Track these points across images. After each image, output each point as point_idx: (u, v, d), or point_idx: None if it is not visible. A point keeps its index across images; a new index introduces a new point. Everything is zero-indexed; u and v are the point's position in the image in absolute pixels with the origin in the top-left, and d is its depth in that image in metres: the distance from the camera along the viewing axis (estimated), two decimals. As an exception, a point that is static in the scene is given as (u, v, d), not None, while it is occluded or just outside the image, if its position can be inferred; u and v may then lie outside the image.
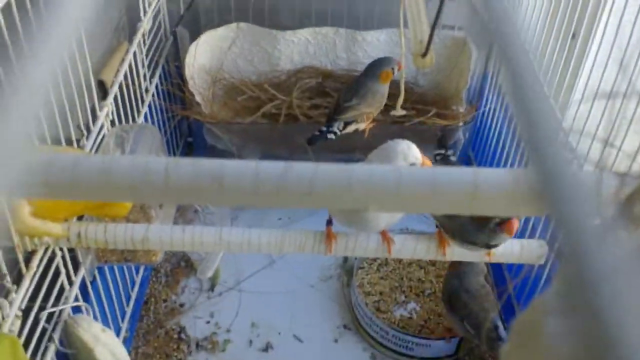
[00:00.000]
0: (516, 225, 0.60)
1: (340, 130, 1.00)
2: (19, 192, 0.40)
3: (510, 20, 0.22)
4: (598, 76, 0.82)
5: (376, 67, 1.01)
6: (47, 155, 0.36)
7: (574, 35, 0.96)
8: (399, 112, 0.90)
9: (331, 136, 1.00)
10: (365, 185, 0.42)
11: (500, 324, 0.88)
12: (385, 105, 1.25)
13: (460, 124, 1.18)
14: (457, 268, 0.94)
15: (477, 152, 1.29)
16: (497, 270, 1.07)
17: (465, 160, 1.29)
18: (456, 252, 0.72)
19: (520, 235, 0.96)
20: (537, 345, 0.20)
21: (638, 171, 0.23)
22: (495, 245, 0.65)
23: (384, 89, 1.02)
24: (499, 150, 1.17)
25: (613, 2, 0.80)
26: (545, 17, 1.00)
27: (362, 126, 1.02)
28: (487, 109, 1.25)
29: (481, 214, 0.43)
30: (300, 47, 1.27)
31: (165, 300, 1.04)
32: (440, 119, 1.20)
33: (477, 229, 0.63)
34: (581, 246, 0.16)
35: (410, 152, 0.65)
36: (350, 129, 1.01)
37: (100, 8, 1.04)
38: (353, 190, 0.42)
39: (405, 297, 1.05)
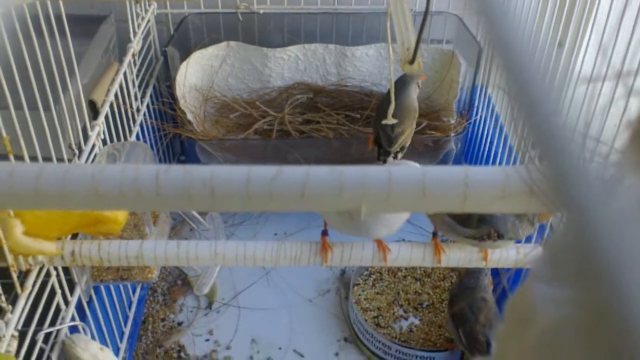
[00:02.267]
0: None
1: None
2: (9, 203, 0.40)
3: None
4: (585, 81, 0.83)
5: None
6: (36, 164, 0.36)
7: (560, 44, 0.97)
8: (390, 120, 0.90)
9: None
10: (357, 186, 0.42)
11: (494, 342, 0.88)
12: (376, 116, 1.26)
13: (452, 134, 1.18)
14: (466, 276, 0.94)
15: (469, 162, 1.30)
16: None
17: (459, 170, 1.30)
18: (452, 258, 0.72)
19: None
20: (528, 320, 0.20)
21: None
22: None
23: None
24: (491, 158, 1.18)
25: (597, 10, 0.81)
26: (532, 24, 1.01)
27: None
28: (477, 118, 1.26)
29: (473, 211, 0.43)
30: (291, 64, 1.28)
31: (163, 319, 1.03)
32: (432, 131, 1.20)
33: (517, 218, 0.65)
34: (586, 200, 0.15)
35: None
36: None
37: (91, 30, 1.05)
38: (345, 191, 0.42)
39: (404, 311, 1.04)
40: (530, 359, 0.18)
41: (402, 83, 0.98)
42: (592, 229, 0.15)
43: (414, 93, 0.99)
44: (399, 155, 0.96)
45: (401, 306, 1.05)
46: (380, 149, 0.96)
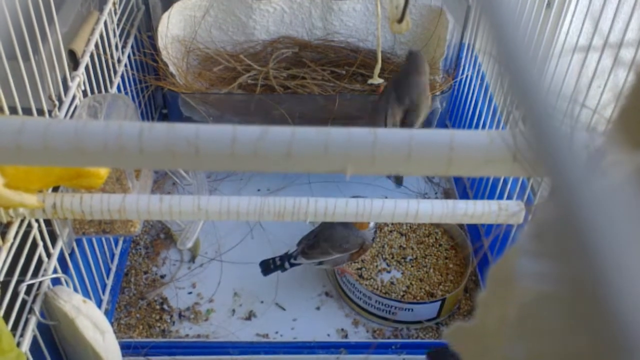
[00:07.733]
0: None
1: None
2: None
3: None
4: (572, 44, 0.83)
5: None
6: (18, 119, 0.35)
7: (548, 4, 0.96)
8: (376, 80, 0.90)
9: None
10: (342, 148, 0.42)
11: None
12: (362, 74, 1.25)
13: (438, 93, 1.18)
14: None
15: (454, 121, 1.30)
16: (471, 227, 1.09)
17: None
18: None
19: (499, 197, 0.98)
20: (510, 289, 0.21)
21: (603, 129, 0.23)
22: None
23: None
24: (475, 118, 1.18)
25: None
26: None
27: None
28: (463, 77, 1.26)
29: (457, 175, 0.44)
30: (276, 17, 1.26)
31: (146, 272, 1.03)
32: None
33: None
34: (570, 180, 0.15)
35: None
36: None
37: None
38: (330, 153, 0.42)
39: (387, 264, 1.06)
40: (511, 327, 0.18)
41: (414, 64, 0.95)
42: (575, 201, 0.15)
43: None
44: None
45: (385, 259, 1.07)
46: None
